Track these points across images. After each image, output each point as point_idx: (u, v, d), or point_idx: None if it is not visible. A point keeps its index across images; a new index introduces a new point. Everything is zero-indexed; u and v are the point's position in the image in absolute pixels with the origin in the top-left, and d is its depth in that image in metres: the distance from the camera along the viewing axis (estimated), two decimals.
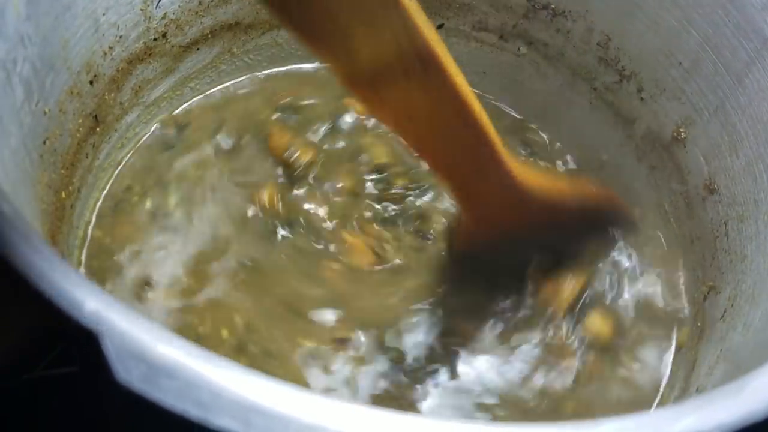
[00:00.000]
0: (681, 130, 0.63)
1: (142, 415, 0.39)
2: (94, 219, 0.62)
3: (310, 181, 0.64)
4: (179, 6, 0.64)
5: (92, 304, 0.26)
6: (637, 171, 0.69)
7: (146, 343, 0.26)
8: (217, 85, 0.72)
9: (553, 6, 0.69)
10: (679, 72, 0.62)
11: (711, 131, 0.60)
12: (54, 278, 0.27)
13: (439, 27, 0.74)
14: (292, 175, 0.64)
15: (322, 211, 0.63)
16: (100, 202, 0.62)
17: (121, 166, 0.65)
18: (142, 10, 0.60)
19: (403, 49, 0.44)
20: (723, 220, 0.59)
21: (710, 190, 0.60)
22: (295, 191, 0.63)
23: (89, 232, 0.61)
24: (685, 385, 0.56)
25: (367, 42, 0.44)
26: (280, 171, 0.65)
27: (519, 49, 0.74)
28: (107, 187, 0.63)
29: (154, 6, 0.61)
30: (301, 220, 0.62)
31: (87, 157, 0.59)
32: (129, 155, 0.65)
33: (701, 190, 0.61)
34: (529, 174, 0.54)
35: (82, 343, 0.28)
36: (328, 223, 0.62)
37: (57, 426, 0.58)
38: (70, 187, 0.57)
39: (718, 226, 0.59)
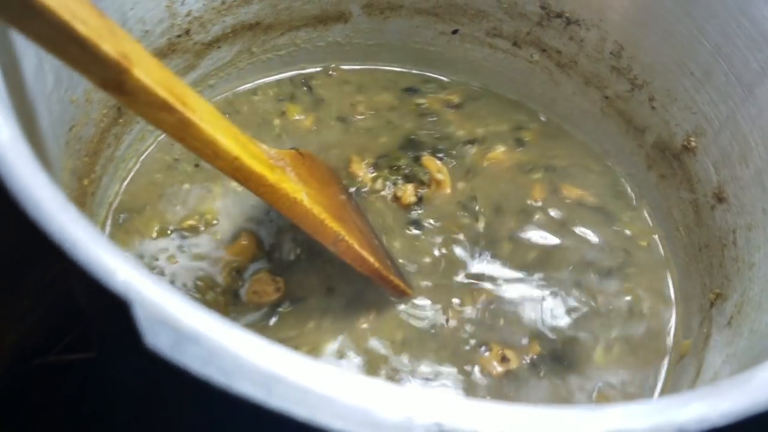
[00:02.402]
0: (691, 139, 0.63)
1: (150, 399, 0.40)
2: (115, 205, 0.63)
3: None
4: (203, 4, 0.65)
5: (124, 273, 0.27)
6: (647, 179, 0.69)
7: (174, 312, 0.27)
8: (236, 83, 0.74)
9: (567, 14, 0.69)
10: (690, 82, 0.62)
11: (721, 141, 0.60)
12: (89, 247, 0.28)
13: (454, 32, 0.76)
14: None
15: None
16: (120, 193, 0.64)
17: (143, 156, 0.66)
18: (167, 6, 0.62)
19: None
20: (731, 229, 0.59)
21: (719, 199, 0.61)
22: None
23: (109, 219, 0.62)
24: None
25: None
26: None
27: (532, 56, 0.74)
28: (128, 178, 0.65)
29: (180, 3, 0.63)
30: None
31: (109, 147, 0.61)
32: (150, 148, 0.66)
33: (710, 199, 0.62)
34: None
35: (112, 312, 0.29)
36: None
37: (68, 409, 0.58)
38: (92, 175, 0.58)
39: (727, 234, 0.59)
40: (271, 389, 0.26)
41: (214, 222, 0.63)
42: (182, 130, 0.43)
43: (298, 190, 0.53)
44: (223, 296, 0.59)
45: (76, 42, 0.35)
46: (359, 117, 0.73)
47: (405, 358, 0.57)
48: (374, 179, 0.68)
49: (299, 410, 0.26)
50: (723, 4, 0.57)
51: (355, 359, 0.57)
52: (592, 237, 0.66)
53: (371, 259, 0.57)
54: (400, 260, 0.63)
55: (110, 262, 0.28)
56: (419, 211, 0.66)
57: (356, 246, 0.56)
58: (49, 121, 0.45)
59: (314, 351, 0.58)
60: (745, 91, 0.58)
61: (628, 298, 0.63)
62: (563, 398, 0.58)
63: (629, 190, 0.71)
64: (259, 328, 0.58)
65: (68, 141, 0.52)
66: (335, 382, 0.27)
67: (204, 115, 0.44)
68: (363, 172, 0.68)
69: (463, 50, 0.77)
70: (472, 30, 0.75)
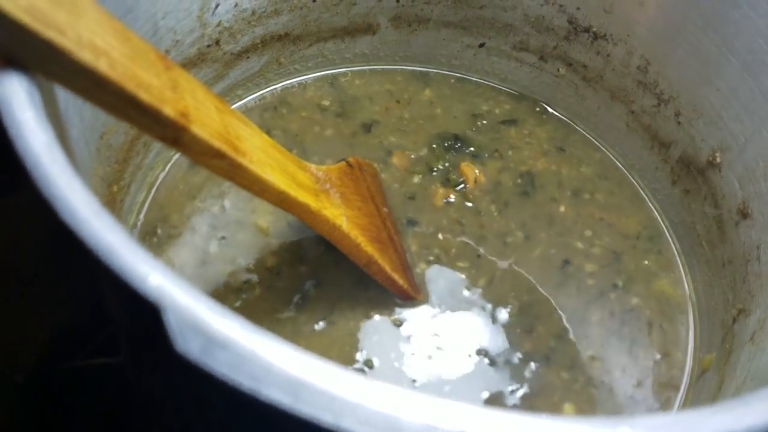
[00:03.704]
0: (717, 154, 0.63)
1: (176, 404, 0.41)
2: (143, 213, 0.64)
3: None
4: (233, 15, 0.66)
5: (156, 278, 0.28)
6: (671, 194, 0.69)
7: (204, 317, 0.27)
8: (263, 93, 0.74)
9: (594, 29, 0.70)
10: (717, 97, 0.62)
11: (746, 156, 0.60)
12: (122, 253, 0.28)
13: (481, 46, 0.76)
14: None
15: None
16: (148, 201, 0.65)
17: (170, 163, 0.67)
18: (198, 17, 0.62)
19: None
20: (756, 245, 0.59)
21: (744, 215, 0.60)
22: None
23: (138, 226, 0.63)
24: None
25: None
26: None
27: (558, 70, 0.75)
28: (156, 185, 0.66)
29: (210, 14, 0.63)
30: None
31: (138, 155, 0.61)
32: (177, 155, 0.67)
33: (734, 215, 0.62)
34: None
35: (143, 317, 0.29)
36: None
37: (94, 413, 0.59)
38: (121, 182, 0.59)
39: (751, 250, 0.59)
40: (298, 395, 0.27)
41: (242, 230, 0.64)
42: (232, 172, 0.46)
43: (338, 215, 0.55)
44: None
45: (138, 108, 0.37)
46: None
47: None
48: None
49: (325, 416, 0.26)
50: (750, 21, 0.57)
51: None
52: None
53: (400, 282, 0.60)
54: None
55: (142, 267, 0.28)
56: None
57: (387, 269, 0.59)
58: (80, 129, 0.46)
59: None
60: None
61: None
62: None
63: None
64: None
65: (99, 148, 0.53)
66: (360, 388, 0.27)
67: (254, 155, 0.47)
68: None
69: (489, 63, 0.77)
70: (499, 43, 0.76)
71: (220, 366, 0.27)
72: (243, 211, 0.65)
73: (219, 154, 0.43)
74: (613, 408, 0.58)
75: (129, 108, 0.37)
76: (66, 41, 0.32)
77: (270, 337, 0.28)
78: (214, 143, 0.42)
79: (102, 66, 0.34)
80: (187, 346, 0.27)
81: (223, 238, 0.63)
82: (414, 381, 0.58)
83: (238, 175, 0.46)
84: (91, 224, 0.29)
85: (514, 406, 0.57)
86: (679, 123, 0.67)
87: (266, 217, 0.64)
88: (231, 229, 0.64)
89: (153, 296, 0.28)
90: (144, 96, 0.36)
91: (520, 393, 0.58)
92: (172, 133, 0.40)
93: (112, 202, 0.57)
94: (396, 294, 0.61)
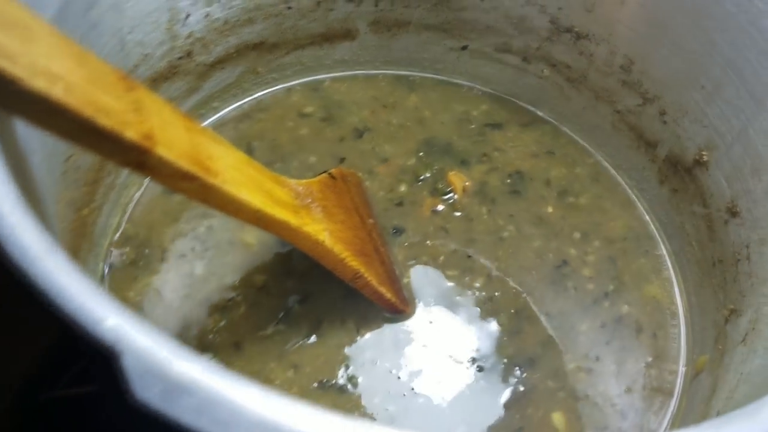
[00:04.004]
0: (703, 153, 0.63)
1: None
2: (118, 235, 0.63)
3: None
4: (205, 25, 0.64)
5: (112, 320, 0.27)
6: (659, 193, 0.69)
7: (164, 361, 0.26)
8: (241, 104, 0.73)
9: (576, 29, 0.69)
10: (702, 96, 0.62)
11: (733, 155, 0.59)
12: (73, 294, 0.27)
13: (463, 48, 0.75)
14: None
15: None
16: (123, 222, 0.64)
17: (146, 183, 0.65)
18: (167, 29, 0.61)
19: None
20: (745, 243, 0.58)
21: (732, 213, 0.60)
22: None
23: (112, 248, 0.62)
24: (705, 409, 0.55)
25: None
26: None
27: (542, 71, 0.74)
28: (131, 205, 0.64)
29: (180, 25, 0.62)
30: None
31: (110, 175, 0.60)
32: None
33: (723, 213, 0.61)
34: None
35: (102, 361, 0.28)
36: None
37: None
38: (92, 204, 0.58)
39: (740, 249, 0.59)
40: None
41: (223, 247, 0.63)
42: (204, 194, 0.44)
43: (320, 231, 0.54)
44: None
45: (98, 134, 0.35)
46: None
47: None
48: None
49: None
50: (734, 17, 0.57)
51: None
52: None
53: (387, 295, 0.59)
54: None
55: (97, 310, 0.27)
56: None
57: (374, 283, 0.58)
58: (42, 154, 0.44)
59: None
60: (757, 104, 0.57)
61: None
62: None
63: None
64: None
65: (65, 171, 0.51)
66: (335, 429, 0.26)
67: (227, 174, 0.45)
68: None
69: (472, 66, 0.76)
70: (481, 45, 0.75)
71: (183, 413, 0.26)
72: (228, 228, 0.64)
73: (188, 176, 0.42)
74: (604, 414, 0.58)
75: (89, 135, 0.35)
76: (18, 69, 0.31)
77: (236, 379, 0.26)
78: (183, 165, 0.41)
79: (57, 92, 0.32)
80: (147, 392, 0.26)
81: (207, 257, 0.62)
82: (404, 395, 0.57)
83: (211, 196, 0.44)
84: (42, 264, 0.28)
85: (505, 414, 0.57)
86: (664, 122, 0.66)
87: (253, 232, 0.63)
88: (216, 247, 0.63)
89: (109, 340, 0.26)
90: (104, 120, 0.35)
91: (510, 401, 0.57)
92: (135, 157, 0.38)
93: (82, 226, 0.55)
94: (384, 307, 0.60)
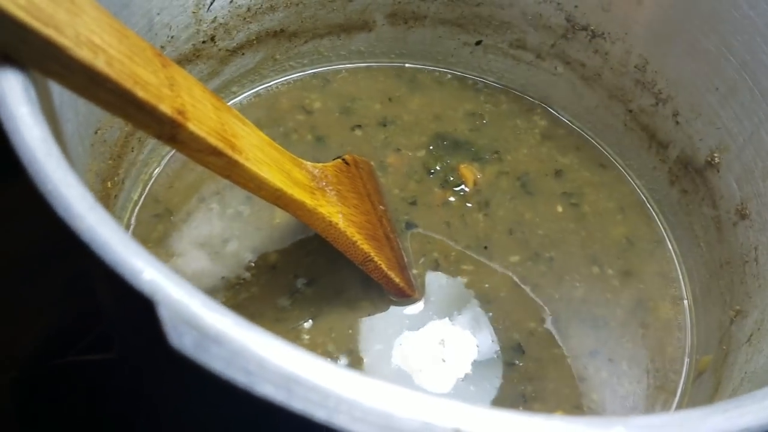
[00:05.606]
0: (715, 155, 0.63)
1: (169, 399, 0.40)
2: (138, 209, 0.64)
3: None
4: (229, 11, 0.65)
5: (150, 273, 0.28)
6: (668, 194, 0.69)
7: (198, 312, 0.27)
8: (258, 90, 0.74)
9: (592, 27, 0.69)
10: (715, 97, 0.62)
11: (745, 157, 0.60)
12: (116, 247, 0.28)
13: (478, 44, 0.76)
14: None
15: None
16: (142, 197, 0.64)
17: (165, 160, 0.67)
18: (193, 12, 0.62)
19: None
20: (753, 246, 0.59)
21: (742, 215, 0.60)
22: None
23: (132, 221, 0.63)
24: None
25: None
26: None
27: (556, 68, 0.74)
28: (150, 182, 0.65)
29: (205, 10, 0.63)
30: None
31: (133, 151, 0.61)
32: (172, 151, 0.67)
33: (733, 215, 0.61)
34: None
35: (136, 313, 0.29)
36: None
37: (86, 409, 0.59)
38: (116, 178, 0.59)
39: (749, 251, 0.59)
40: (291, 391, 0.26)
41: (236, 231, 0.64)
42: (228, 170, 0.46)
43: (334, 213, 0.55)
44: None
45: (135, 105, 0.37)
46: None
47: None
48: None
49: (319, 412, 0.26)
50: (750, 20, 0.57)
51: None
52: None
53: (396, 280, 0.60)
54: None
55: (137, 262, 0.28)
56: None
57: (383, 267, 0.59)
58: (75, 124, 0.46)
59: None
60: None
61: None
62: None
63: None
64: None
65: (93, 143, 0.52)
66: (355, 385, 0.27)
67: (251, 153, 0.47)
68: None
69: (486, 61, 0.77)
70: (496, 41, 0.76)
71: (214, 361, 0.27)
72: (241, 206, 0.65)
73: (216, 152, 0.43)
74: (607, 413, 0.58)
75: (126, 105, 0.36)
76: (64, 39, 0.32)
77: (264, 333, 0.27)
78: (211, 141, 0.42)
79: (100, 63, 0.34)
80: (181, 341, 0.27)
81: (220, 234, 0.63)
82: (406, 380, 0.57)
83: (235, 172, 0.46)
84: (86, 219, 0.29)
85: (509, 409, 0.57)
86: (677, 123, 0.67)
87: (266, 211, 0.65)
88: (230, 225, 0.64)
89: (147, 291, 0.27)
90: (141, 93, 0.36)
91: (513, 398, 0.58)
92: (169, 131, 0.39)
93: (107, 198, 0.56)
94: (391, 292, 0.61)
